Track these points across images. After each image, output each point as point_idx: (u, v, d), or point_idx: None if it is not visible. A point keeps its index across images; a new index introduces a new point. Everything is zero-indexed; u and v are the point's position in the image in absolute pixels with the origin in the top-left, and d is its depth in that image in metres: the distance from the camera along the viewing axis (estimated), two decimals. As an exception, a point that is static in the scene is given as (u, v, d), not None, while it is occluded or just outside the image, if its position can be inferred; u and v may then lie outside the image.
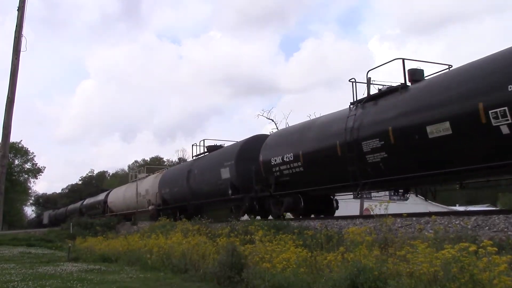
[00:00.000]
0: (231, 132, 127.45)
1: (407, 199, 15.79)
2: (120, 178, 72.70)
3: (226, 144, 20.72)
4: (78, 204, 48.15)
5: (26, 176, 63.13)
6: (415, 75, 10.89)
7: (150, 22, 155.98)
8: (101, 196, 40.03)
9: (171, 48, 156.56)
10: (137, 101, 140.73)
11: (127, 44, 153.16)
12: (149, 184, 26.78)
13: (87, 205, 43.75)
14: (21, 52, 15.36)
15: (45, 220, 60.43)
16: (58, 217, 52.56)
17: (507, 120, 7.88)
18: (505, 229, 7.11)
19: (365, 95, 12.23)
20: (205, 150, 21.07)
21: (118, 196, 34.04)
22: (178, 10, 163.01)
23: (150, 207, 24.96)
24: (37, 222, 67.50)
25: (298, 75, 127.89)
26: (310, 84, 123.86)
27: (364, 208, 24.51)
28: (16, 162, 60.42)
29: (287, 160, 13.64)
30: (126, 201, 31.23)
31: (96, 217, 35.40)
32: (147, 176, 29.65)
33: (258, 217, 15.39)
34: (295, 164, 13.36)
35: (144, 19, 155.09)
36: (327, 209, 14.70)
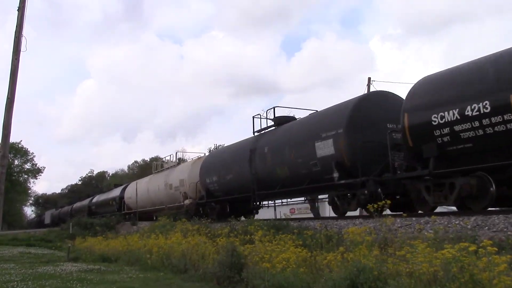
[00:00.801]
0: (231, 132, 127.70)
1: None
2: (120, 178, 72.67)
3: (297, 115, 15.94)
4: (85, 202, 43.77)
5: (26, 176, 63.16)
6: None
7: (152, 22, 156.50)
8: (115, 192, 34.75)
9: (172, 48, 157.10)
10: (138, 101, 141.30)
11: (129, 44, 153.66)
12: (185, 173, 22.06)
13: (98, 202, 39.01)
14: (21, 52, 15.36)
15: (47, 220, 58.02)
16: (62, 217, 48.51)
17: None
18: (505, 229, 7.11)
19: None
20: (275, 122, 16.10)
21: (139, 190, 28.84)
22: (180, 10, 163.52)
23: (186, 202, 20.67)
24: (38, 222, 66.79)
25: (299, 75, 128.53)
26: (311, 84, 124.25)
27: (364, 208, 24.48)
28: (16, 162, 60.47)
29: (474, 114, 8.61)
30: (150, 196, 26.27)
31: (110, 216, 31.19)
32: (178, 163, 24.90)
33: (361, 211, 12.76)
34: (495, 120, 8.30)
35: (146, 19, 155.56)
36: None
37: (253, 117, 16.88)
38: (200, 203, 19.74)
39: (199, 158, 22.46)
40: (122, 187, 34.12)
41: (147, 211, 27.01)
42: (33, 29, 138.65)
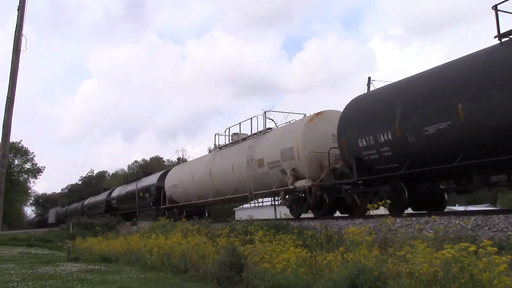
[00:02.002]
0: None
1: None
2: (120, 178, 72.54)
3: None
4: (101, 197, 37.17)
5: (26, 176, 63.20)
6: None
7: (153, 23, 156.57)
8: (149, 180, 26.88)
9: (174, 48, 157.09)
10: (139, 101, 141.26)
11: (130, 44, 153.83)
12: (293, 138, 13.65)
13: (121, 196, 31.44)
14: (21, 51, 15.34)
15: (51, 219, 54.30)
16: (70, 215, 42.46)
17: None
18: (505, 229, 7.11)
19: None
20: None
21: (190, 175, 20.80)
22: (181, 11, 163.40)
23: (299, 184, 13.19)
24: (39, 222, 65.76)
25: (300, 75, 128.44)
26: (312, 84, 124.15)
27: (364, 208, 24.47)
28: (16, 162, 60.50)
29: None
30: (214, 182, 18.37)
31: (142, 213, 26.38)
32: (269, 129, 16.17)
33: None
34: None
35: (147, 19, 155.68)
36: None
37: (496, 8, 8.69)
38: (337, 185, 12.13)
39: (318, 114, 13.74)
40: (160, 174, 26.10)
41: (212, 203, 19.80)
42: (35, 29, 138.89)
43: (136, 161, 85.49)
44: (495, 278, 3.96)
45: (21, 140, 61.50)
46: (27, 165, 62.76)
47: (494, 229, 7.25)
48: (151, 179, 26.75)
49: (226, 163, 17.76)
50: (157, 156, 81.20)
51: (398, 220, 8.92)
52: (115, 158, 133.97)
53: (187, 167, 22.64)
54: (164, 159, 78.31)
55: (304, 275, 6.05)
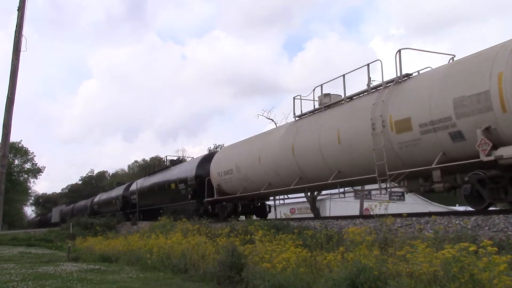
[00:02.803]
0: (232, 132, 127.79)
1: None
2: (120, 178, 72.60)
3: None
4: (117, 192, 32.69)
5: (26, 176, 63.21)
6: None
7: (154, 23, 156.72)
8: (183, 169, 21.85)
9: (174, 48, 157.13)
10: (139, 101, 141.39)
11: (131, 44, 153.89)
12: (481, 76, 8.05)
13: (143, 190, 26.65)
14: (21, 52, 15.35)
15: (55, 218, 51.39)
16: (77, 214, 38.10)
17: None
18: (505, 229, 7.11)
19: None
20: None
21: (254, 156, 15.32)
22: (182, 11, 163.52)
23: (506, 153, 7.61)
24: (40, 222, 65.12)
25: (301, 75, 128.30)
26: (313, 84, 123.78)
27: (364, 208, 24.57)
28: (16, 162, 60.52)
29: None
30: (298, 162, 12.93)
31: (176, 209, 21.03)
32: (406, 76, 10.36)
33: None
34: None
35: (148, 19, 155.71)
36: None
37: None
38: None
39: None
40: (200, 159, 20.85)
41: (296, 191, 14.53)
42: (36, 29, 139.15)
43: (136, 161, 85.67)
44: (495, 278, 3.97)
45: (21, 140, 61.64)
46: (27, 165, 62.85)
47: (494, 229, 7.25)
48: (187, 167, 21.59)
49: (325, 132, 12.01)
50: (157, 156, 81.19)
51: (398, 220, 8.93)
52: (115, 158, 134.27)
53: (247, 146, 16.45)
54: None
55: (304, 275, 6.05)
